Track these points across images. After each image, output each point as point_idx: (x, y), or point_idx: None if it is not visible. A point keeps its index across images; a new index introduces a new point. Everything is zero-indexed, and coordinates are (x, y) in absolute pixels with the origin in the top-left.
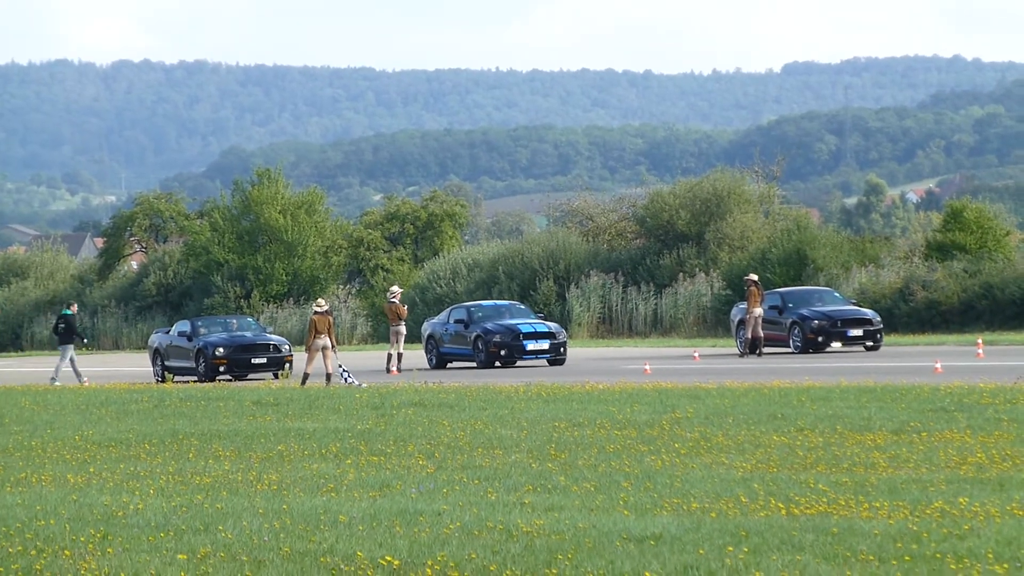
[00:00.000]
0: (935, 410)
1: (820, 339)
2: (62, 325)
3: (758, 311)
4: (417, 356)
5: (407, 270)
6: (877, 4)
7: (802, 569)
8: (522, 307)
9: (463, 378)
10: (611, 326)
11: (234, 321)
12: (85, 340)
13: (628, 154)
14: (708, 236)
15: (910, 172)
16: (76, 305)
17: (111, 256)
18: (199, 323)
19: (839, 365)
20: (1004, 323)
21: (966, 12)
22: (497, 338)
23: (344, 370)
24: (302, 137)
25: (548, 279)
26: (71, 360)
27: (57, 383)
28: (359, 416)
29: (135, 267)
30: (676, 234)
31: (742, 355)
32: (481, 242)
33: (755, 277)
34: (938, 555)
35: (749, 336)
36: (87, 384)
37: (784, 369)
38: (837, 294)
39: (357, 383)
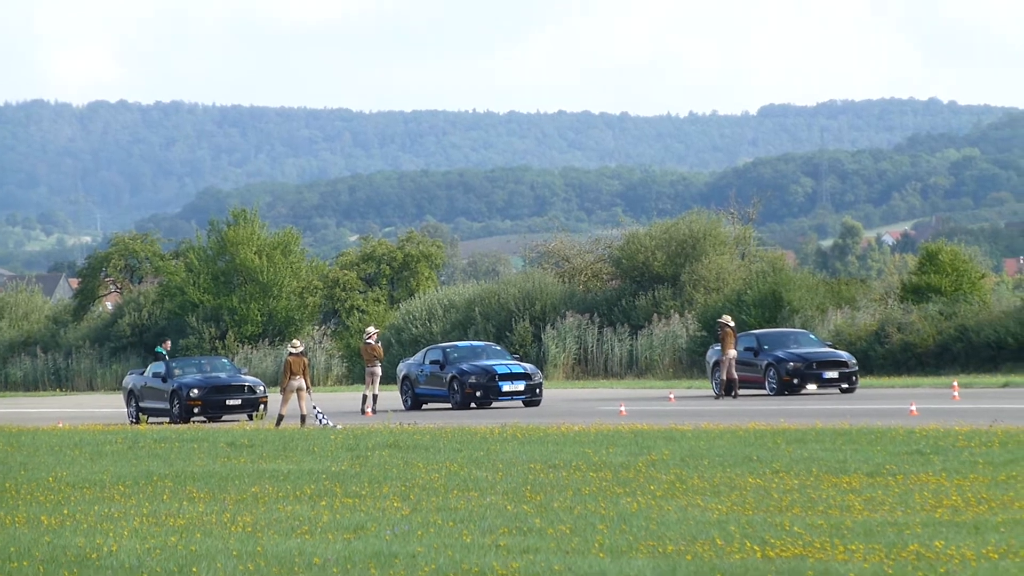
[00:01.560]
0: (910, 453)
1: (795, 381)
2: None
3: (732, 353)
4: (392, 397)
5: (383, 311)
6: (853, 47)
7: None
8: (498, 348)
9: (438, 419)
10: (587, 367)
11: (209, 362)
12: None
13: (604, 195)
14: (684, 278)
15: (886, 214)
16: (168, 342)
17: (86, 297)
18: (173, 364)
19: (814, 407)
20: (979, 366)
21: (942, 55)
22: (473, 379)
23: (319, 411)
24: (278, 178)
25: (524, 320)
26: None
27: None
28: (334, 458)
29: (110, 308)
30: (652, 275)
31: (718, 397)
32: (457, 283)
33: (729, 319)
34: None
35: (724, 378)
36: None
37: (760, 411)
38: (812, 336)
39: (332, 424)
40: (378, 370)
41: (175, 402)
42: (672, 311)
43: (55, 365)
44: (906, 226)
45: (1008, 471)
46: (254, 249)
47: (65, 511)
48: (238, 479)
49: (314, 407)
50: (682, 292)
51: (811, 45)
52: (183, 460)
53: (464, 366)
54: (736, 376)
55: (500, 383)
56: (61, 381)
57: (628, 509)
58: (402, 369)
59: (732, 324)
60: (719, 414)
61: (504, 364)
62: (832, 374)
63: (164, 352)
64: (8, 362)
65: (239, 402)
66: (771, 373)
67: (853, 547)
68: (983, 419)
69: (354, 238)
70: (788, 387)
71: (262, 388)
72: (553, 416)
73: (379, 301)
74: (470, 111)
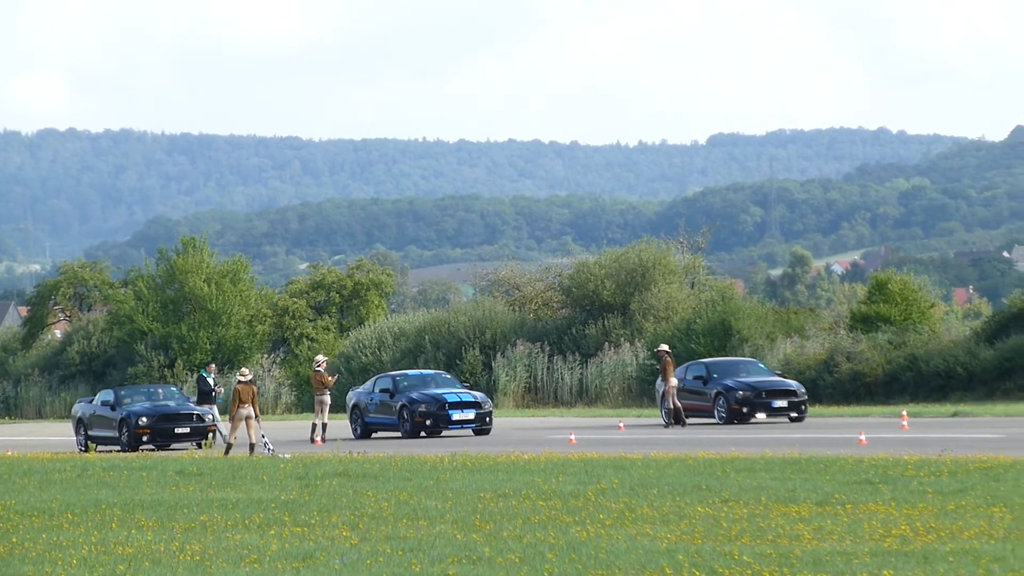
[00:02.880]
0: (859, 482)
1: (745, 410)
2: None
3: (673, 381)
4: (342, 426)
5: (332, 339)
6: (802, 76)
7: None
8: (448, 376)
9: (388, 448)
10: (537, 395)
11: (158, 390)
12: (218, 399)
13: (555, 224)
14: (633, 306)
15: (835, 244)
16: (213, 365)
17: (35, 325)
18: (123, 392)
19: (764, 436)
20: (929, 395)
21: (892, 84)
22: (422, 408)
23: (267, 441)
24: (228, 206)
25: (474, 348)
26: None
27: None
28: (283, 486)
29: (59, 336)
30: (602, 304)
31: (667, 425)
32: (407, 311)
33: (667, 348)
34: None
35: (672, 406)
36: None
37: (709, 440)
38: (762, 365)
39: (280, 453)
40: (327, 398)
41: (124, 430)
42: (622, 340)
43: (3, 393)
44: (855, 255)
45: (957, 500)
46: (203, 277)
47: (13, 539)
48: (187, 507)
49: (263, 435)
50: (632, 321)
51: (760, 74)
52: (132, 488)
53: (414, 394)
54: (679, 403)
55: (450, 411)
56: (10, 409)
57: (577, 538)
58: (352, 398)
59: (670, 352)
60: (668, 443)
61: (454, 392)
62: (781, 403)
63: (210, 377)
64: None
65: (188, 430)
66: (720, 402)
67: None
68: (932, 448)
69: (304, 266)
70: (737, 416)
71: (210, 416)
72: (503, 445)
73: (328, 329)
74: (420, 139)
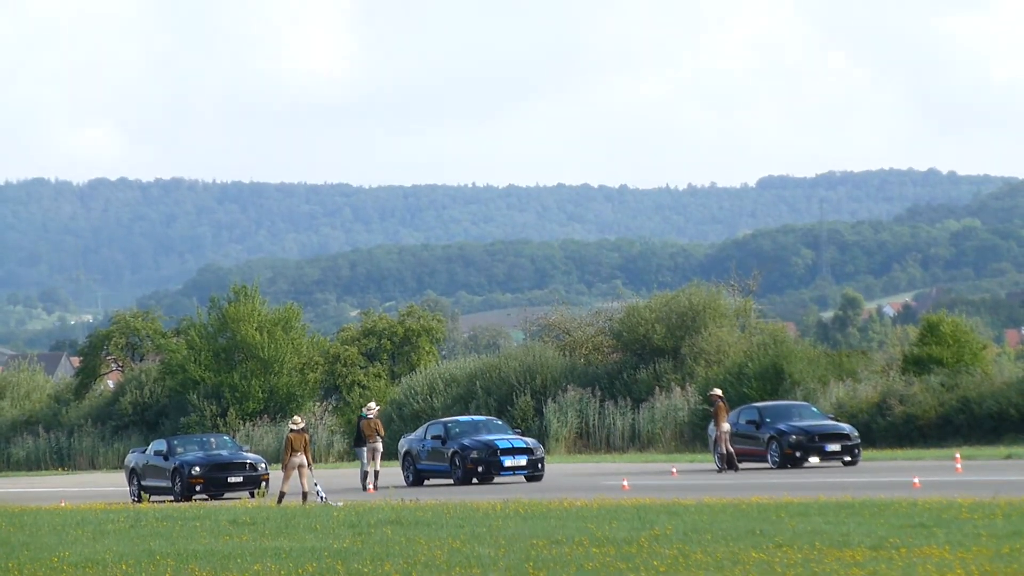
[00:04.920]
0: (914, 525)
1: (798, 454)
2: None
3: (726, 426)
4: (394, 473)
5: (384, 386)
6: (851, 118)
7: None
8: (499, 423)
9: (440, 495)
10: (589, 441)
11: (211, 440)
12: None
13: (604, 268)
14: (684, 350)
15: (886, 285)
16: (373, 404)
17: (87, 375)
18: (175, 442)
19: (817, 480)
20: (982, 437)
21: (941, 125)
22: (474, 454)
23: (319, 489)
24: (279, 253)
25: (525, 394)
26: (361, 465)
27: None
28: (336, 535)
29: (111, 386)
30: (652, 348)
31: (720, 471)
32: (458, 357)
33: (719, 392)
34: None
35: (725, 451)
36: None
37: (762, 484)
38: (815, 408)
39: (333, 501)
40: (379, 446)
41: (177, 480)
42: (673, 384)
43: (57, 444)
44: (907, 297)
45: (1012, 543)
46: (255, 325)
47: None
48: (240, 557)
49: (315, 484)
50: (683, 365)
51: (809, 116)
52: (185, 538)
53: (466, 441)
54: (732, 448)
55: (502, 458)
56: (63, 460)
57: None
58: (403, 445)
59: (722, 397)
60: (722, 488)
61: (506, 439)
62: (834, 447)
63: (363, 415)
64: (11, 441)
65: (240, 479)
66: (773, 446)
67: None
68: (986, 491)
69: (355, 313)
70: (791, 460)
71: (263, 465)
72: (555, 491)
73: (380, 376)
74: (469, 185)
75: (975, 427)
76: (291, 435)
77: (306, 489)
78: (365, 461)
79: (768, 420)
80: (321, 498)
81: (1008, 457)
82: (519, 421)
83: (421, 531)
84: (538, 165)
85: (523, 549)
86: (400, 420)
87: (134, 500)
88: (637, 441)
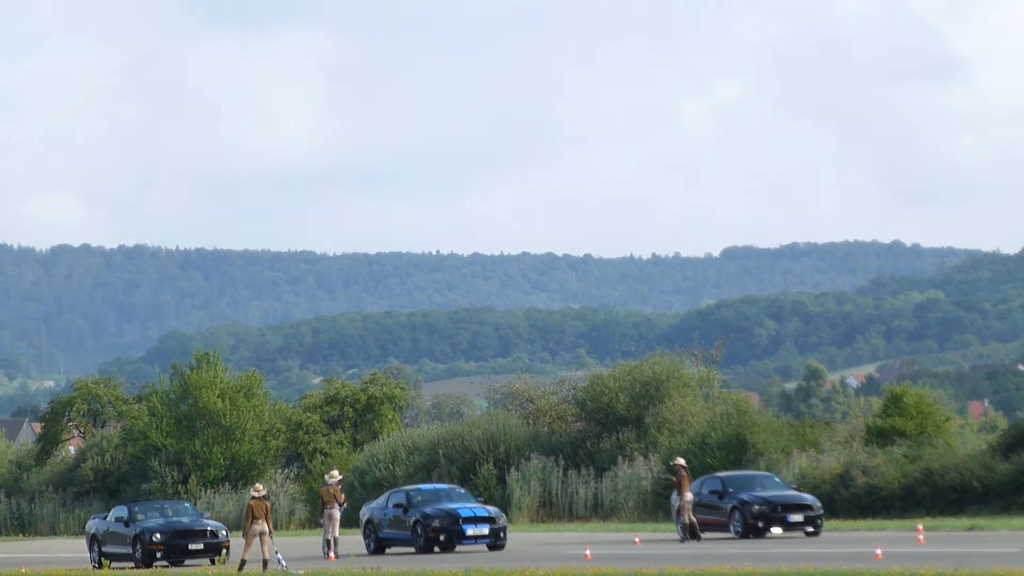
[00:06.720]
0: None
1: (761, 524)
2: None
3: (689, 496)
4: (355, 541)
5: (346, 453)
6: (816, 189)
7: None
8: (462, 491)
9: (402, 563)
10: (551, 510)
11: (172, 507)
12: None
13: (568, 337)
14: (648, 419)
15: (850, 357)
16: (336, 472)
17: (49, 441)
18: (136, 508)
19: (780, 551)
20: (945, 509)
21: (905, 197)
22: (436, 523)
23: (280, 557)
24: (242, 320)
25: (488, 462)
26: (324, 532)
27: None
28: None
29: (73, 452)
30: (616, 417)
31: (683, 540)
32: (421, 425)
33: (682, 461)
34: None
35: (687, 521)
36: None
37: (725, 554)
38: (777, 479)
39: (295, 569)
40: (336, 512)
41: (138, 546)
42: (636, 453)
43: (18, 510)
44: (870, 368)
45: None
46: (217, 392)
47: None
48: None
49: (276, 552)
50: (646, 434)
51: (773, 187)
52: None
53: (428, 509)
54: (695, 518)
55: (464, 527)
56: (24, 526)
57: None
58: (365, 513)
59: (686, 466)
60: (685, 558)
61: (468, 507)
62: (797, 517)
63: (327, 483)
64: None
65: (201, 546)
66: (736, 516)
67: None
68: (948, 563)
69: (317, 380)
70: (753, 530)
71: (224, 532)
72: (518, 560)
73: (342, 444)
74: (434, 253)
75: (938, 499)
76: (252, 503)
77: (267, 557)
78: (326, 528)
79: (731, 490)
80: (282, 566)
81: (970, 529)
82: (482, 490)
83: None
84: (502, 234)
85: None
86: (362, 488)
87: (95, 566)
88: (600, 510)
